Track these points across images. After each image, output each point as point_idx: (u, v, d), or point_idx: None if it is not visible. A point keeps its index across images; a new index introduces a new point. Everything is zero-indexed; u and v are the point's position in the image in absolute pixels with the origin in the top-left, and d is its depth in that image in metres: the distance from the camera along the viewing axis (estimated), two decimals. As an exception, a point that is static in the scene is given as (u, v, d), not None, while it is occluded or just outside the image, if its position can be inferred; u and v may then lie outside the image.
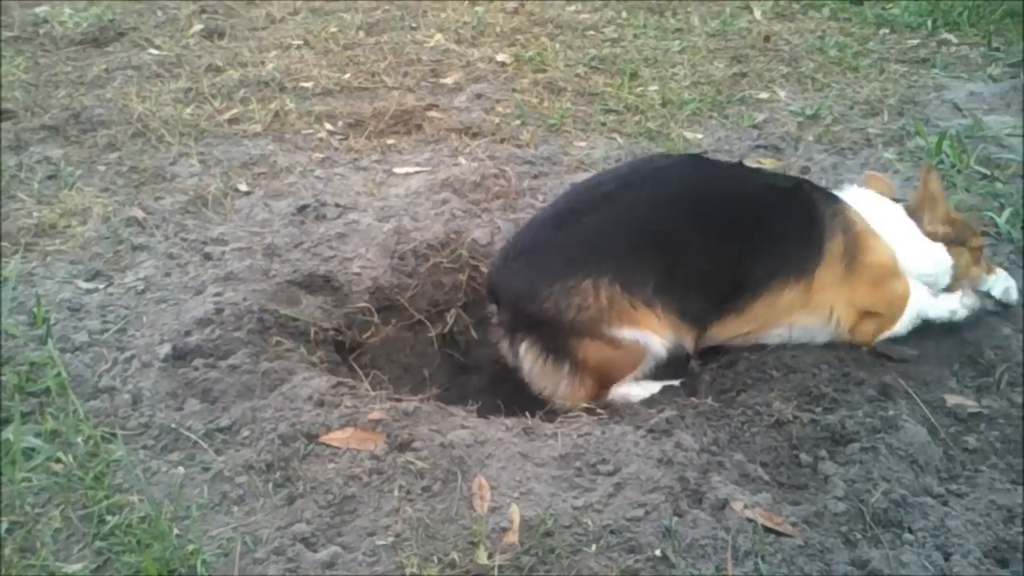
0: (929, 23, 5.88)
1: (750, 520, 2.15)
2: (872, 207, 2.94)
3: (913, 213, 3.00)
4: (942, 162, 3.97)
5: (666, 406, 2.64)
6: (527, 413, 2.70)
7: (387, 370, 3.24)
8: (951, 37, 5.69)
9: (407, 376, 3.30)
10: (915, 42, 5.64)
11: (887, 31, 5.84)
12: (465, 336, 3.41)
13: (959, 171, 3.92)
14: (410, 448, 2.38)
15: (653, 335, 2.73)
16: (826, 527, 2.19)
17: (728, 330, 2.86)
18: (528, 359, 2.76)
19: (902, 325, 2.90)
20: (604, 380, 2.79)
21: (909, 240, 2.93)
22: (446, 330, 3.37)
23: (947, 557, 2.13)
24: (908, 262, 2.90)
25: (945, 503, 2.28)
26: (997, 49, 5.44)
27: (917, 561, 2.11)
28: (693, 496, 2.24)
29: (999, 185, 3.82)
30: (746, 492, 2.25)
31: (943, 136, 4.10)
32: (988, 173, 3.92)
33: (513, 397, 3.27)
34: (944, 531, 2.18)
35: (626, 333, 2.70)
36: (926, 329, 2.93)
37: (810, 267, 2.78)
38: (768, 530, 2.14)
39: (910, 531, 2.19)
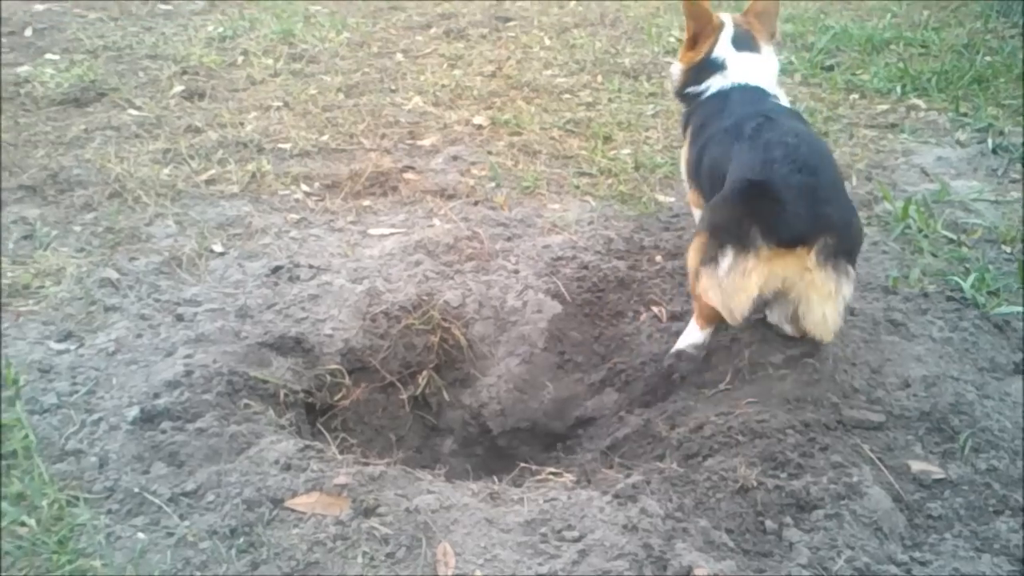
0: (898, 88, 5.98)
1: (713, 587, 2.15)
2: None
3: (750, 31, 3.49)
4: (909, 227, 4.03)
5: (633, 471, 2.65)
6: (495, 477, 2.70)
7: (358, 433, 3.24)
8: (920, 102, 5.79)
9: (379, 439, 3.31)
10: (884, 107, 5.74)
11: (857, 96, 5.94)
12: (437, 398, 3.43)
13: (926, 236, 3.97)
14: (375, 513, 2.38)
15: None
16: (789, 594, 2.20)
17: None
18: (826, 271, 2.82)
19: None
20: None
21: None
22: (418, 392, 3.38)
23: (910, 625, 2.14)
24: None
25: (908, 571, 2.29)
26: (965, 114, 5.53)
27: (880, 629, 2.12)
28: (657, 563, 2.24)
29: (965, 250, 3.87)
30: (710, 559, 2.26)
31: (909, 201, 4.16)
32: (954, 238, 3.98)
33: (484, 459, 3.29)
34: (907, 599, 2.20)
35: None
36: (891, 395, 2.95)
37: None
38: (731, 598, 2.15)
39: (873, 599, 2.21)
